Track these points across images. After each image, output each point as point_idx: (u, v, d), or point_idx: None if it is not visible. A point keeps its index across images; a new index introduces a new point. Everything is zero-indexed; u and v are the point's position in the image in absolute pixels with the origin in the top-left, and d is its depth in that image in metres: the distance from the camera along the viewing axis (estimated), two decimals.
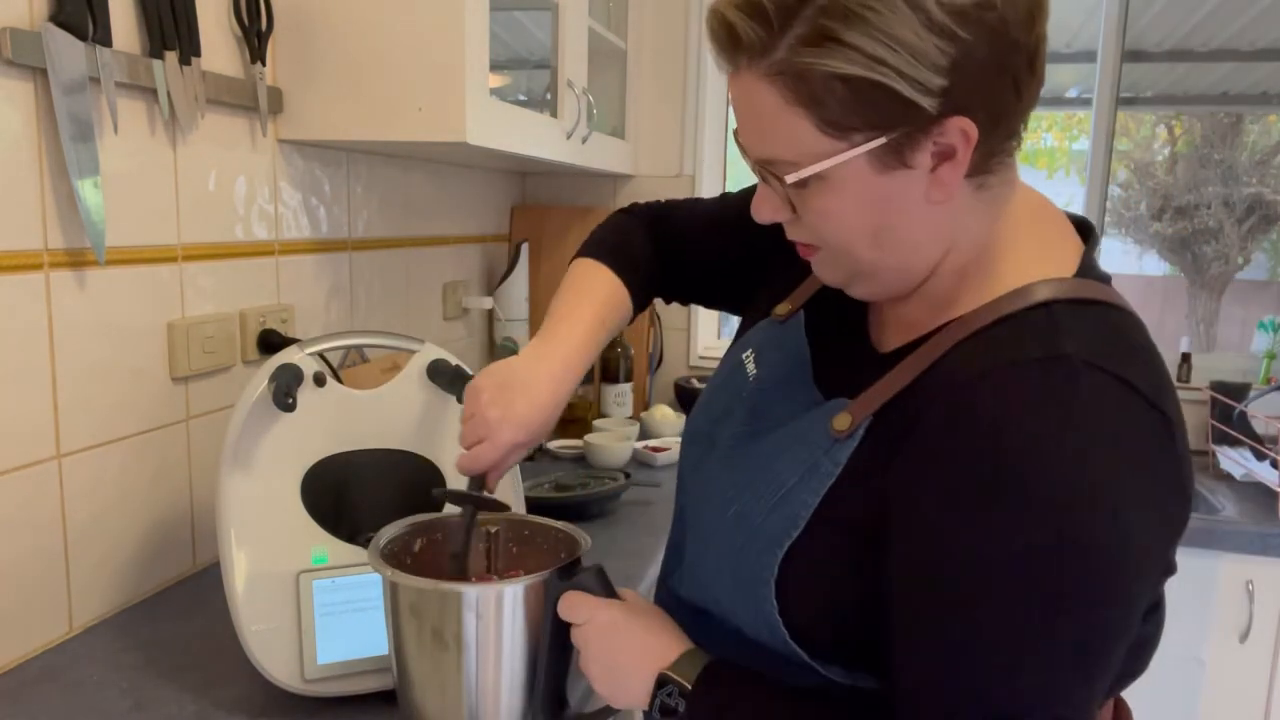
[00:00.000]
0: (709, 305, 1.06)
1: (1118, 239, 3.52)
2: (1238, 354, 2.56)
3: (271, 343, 1.38)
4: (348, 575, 0.97)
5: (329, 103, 1.38)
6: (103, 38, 1.05)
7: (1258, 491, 2.04)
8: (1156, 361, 0.64)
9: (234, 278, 1.34)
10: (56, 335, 1.06)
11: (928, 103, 0.59)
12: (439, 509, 0.93)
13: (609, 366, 2.14)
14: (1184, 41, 2.66)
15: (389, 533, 0.86)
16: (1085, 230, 0.72)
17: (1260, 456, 2.12)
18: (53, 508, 1.08)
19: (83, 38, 1.02)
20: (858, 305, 0.77)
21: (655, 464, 1.92)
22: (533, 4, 1.90)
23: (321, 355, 1.04)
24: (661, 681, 0.71)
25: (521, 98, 2.14)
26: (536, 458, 1.94)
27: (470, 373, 1.06)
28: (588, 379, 2.08)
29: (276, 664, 0.95)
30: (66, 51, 1.00)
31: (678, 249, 1.00)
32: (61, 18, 1.00)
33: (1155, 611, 0.70)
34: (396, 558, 0.86)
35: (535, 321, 2.21)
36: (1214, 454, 2.21)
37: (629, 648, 0.75)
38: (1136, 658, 0.70)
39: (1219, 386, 2.24)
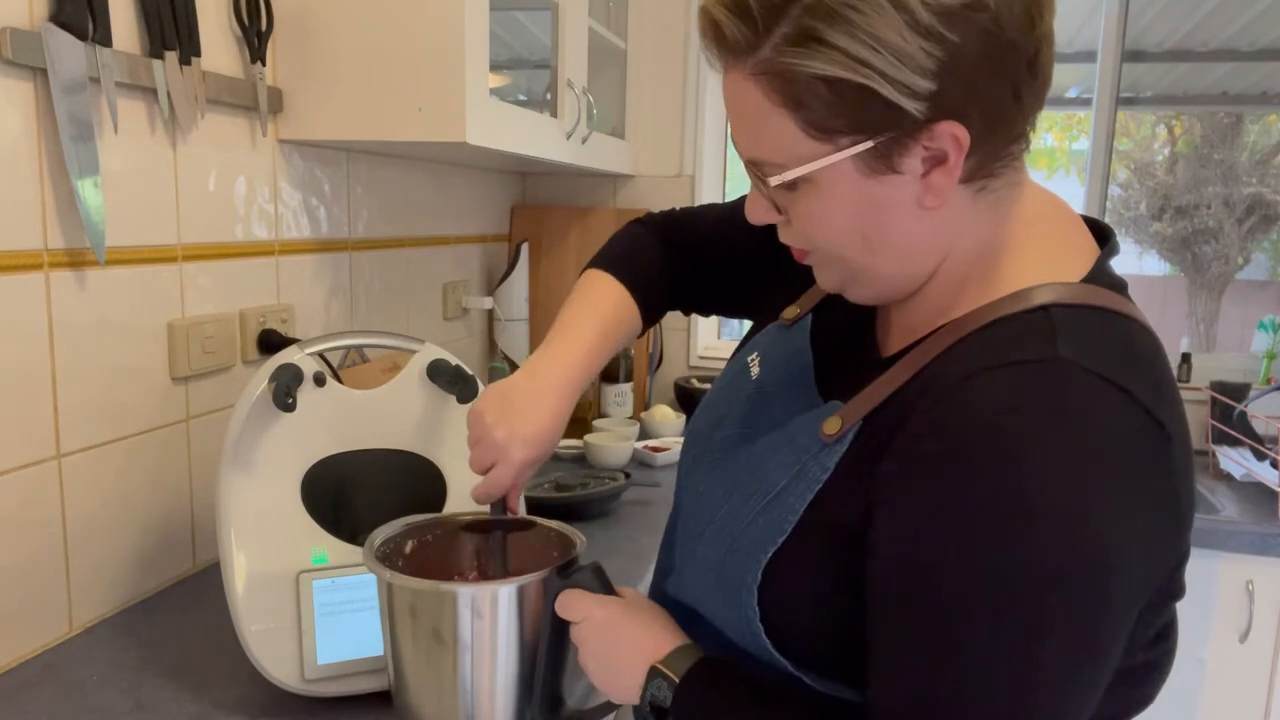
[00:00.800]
0: (724, 314, 1.04)
1: (1118, 239, 3.51)
2: (1238, 354, 2.56)
3: (271, 343, 1.38)
4: (348, 575, 0.97)
5: (329, 103, 1.38)
6: (103, 38, 1.05)
7: (1258, 491, 2.04)
8: (1161, 373, 0.61)
9: (234, 278, 1.34)
10: (56, 335, 1.06)
11: (914, 106, 0.57)
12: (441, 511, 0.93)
13: (609, 367, 2.14)
14: (1184, 41, 2.66)
15: (383, 533, 0.86)
16: (1105, 236, 0.69)
17: (1260, 456, 2.12)
18: (53, 508, 1.08)
19: (83, 38, 1.02)
20: (866, 309, 0.75)
21: (655, 464, 1.92)
22: (533, 4, 1.90)
23: (321, 355, 1.04)
24: (653, 674, 0.71)
25: (521, 98, 2.14)
26: None
27: (470, 372, 1.06)
28: None
29: (276, 664, 0.95)
30: (66, 51, 1.00)
31: (691, 258, 0.98)
32: (61, 18, 1.00)
33: (1163, 640, 0.67)
34: (391, 558, 0.86)
35: (535, 322, 2.21)
36: (1214, 454, 2.21)
37: (625, 642, 0.75)
38: (1144, 684, 0.67)
39: (1219, 386, 2.24)
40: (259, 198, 1.39)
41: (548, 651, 0.79)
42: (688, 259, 0.98)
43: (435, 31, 1.33)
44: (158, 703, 0.97)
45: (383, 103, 1.36)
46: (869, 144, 0.59)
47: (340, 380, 1.05)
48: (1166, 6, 2.56)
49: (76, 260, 1.08)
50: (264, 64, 1.33)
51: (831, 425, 0.66)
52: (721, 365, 1.14)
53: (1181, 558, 0.63)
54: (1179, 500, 0.59)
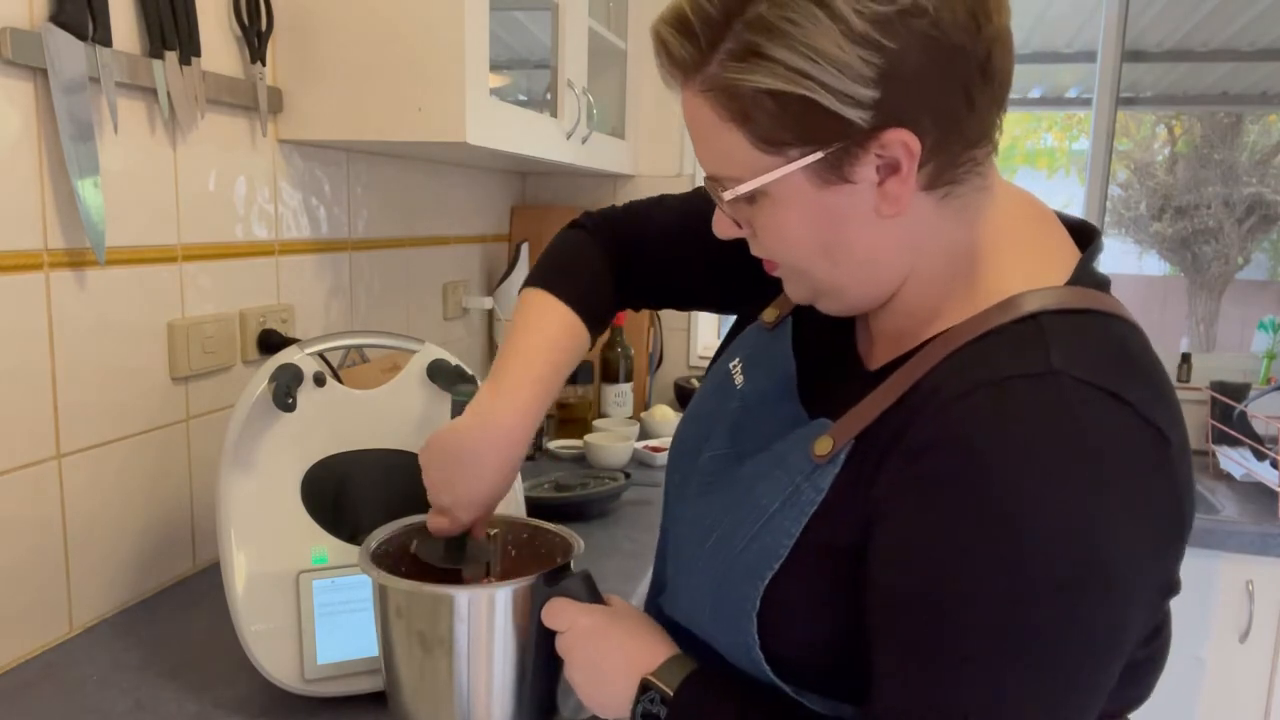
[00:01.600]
0: (684, 308, 1.00)
1: (1118, 239, 3.52)
2: (1238, 354, 2.56)
3: (271, 343, 1.38)
4: (347, 575, 0.97)
5: (329, 103, 1.38)
6: (103, 38, 1.05)
7: (1258, 491, 2.04)
8: (1155, 373, 0.61)
9: (234, 278, 1.34)
10: (56, 335, 1.06)
11: (858, 115, 0.57)
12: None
13: (609, 366, 2.14)
14: (1184, 41, 2.66)
15: (380, 535, 0.86)
16: (1088, 235, 0.69)
17: (1260, 456, 2.12)
18: (53, 508, 1.08)
19: (83, 38, 1.02)
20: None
21: (655, 464, 1.92)
22: (533, 4, 1.90)
23: (321, 355, 1.04)
24: (645, 687, 0.69)
25: (521, 98, 2.14)
26: (537, 458, 1.95)
27: (470, 372, 1.06)
28: (588, 379, 2.08)
29: (276, 664, 0.95)
30: (66, 51, 1.00)
31: (637, 259, 0.93)
32: (61, 18, 1.00)
33: (1157, 636, 0.67)
34: (388, 558, 0.86)
35: None
36: (1214, 454, 2.21)
37: (611, 652, 0.72)
38: (1139, 681, 0.67)
39: (1219, 386, 2.24)
40: (259, 198, 1.39)
41: (535, 660, 0.77)
42: (633, 260, 0.94)
43: (435, 31, 1.33)
44: (158, 703, 0.97)
45: (383, 103, 1.36)
46: (819, 155, 0.59)
47: (340, 380, 1.05)
48: (1166, 6, 2.56)
49: (76, 260, 1.08)
50: (264, 64, 1.33)
51: (823, 445, 0.65)
52: None
53: (1181, 557, 0.63)
54: (1181, 502, 0.59)
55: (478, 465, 0.82)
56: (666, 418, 2.14)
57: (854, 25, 0.55)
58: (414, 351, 1.08)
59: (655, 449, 1.95)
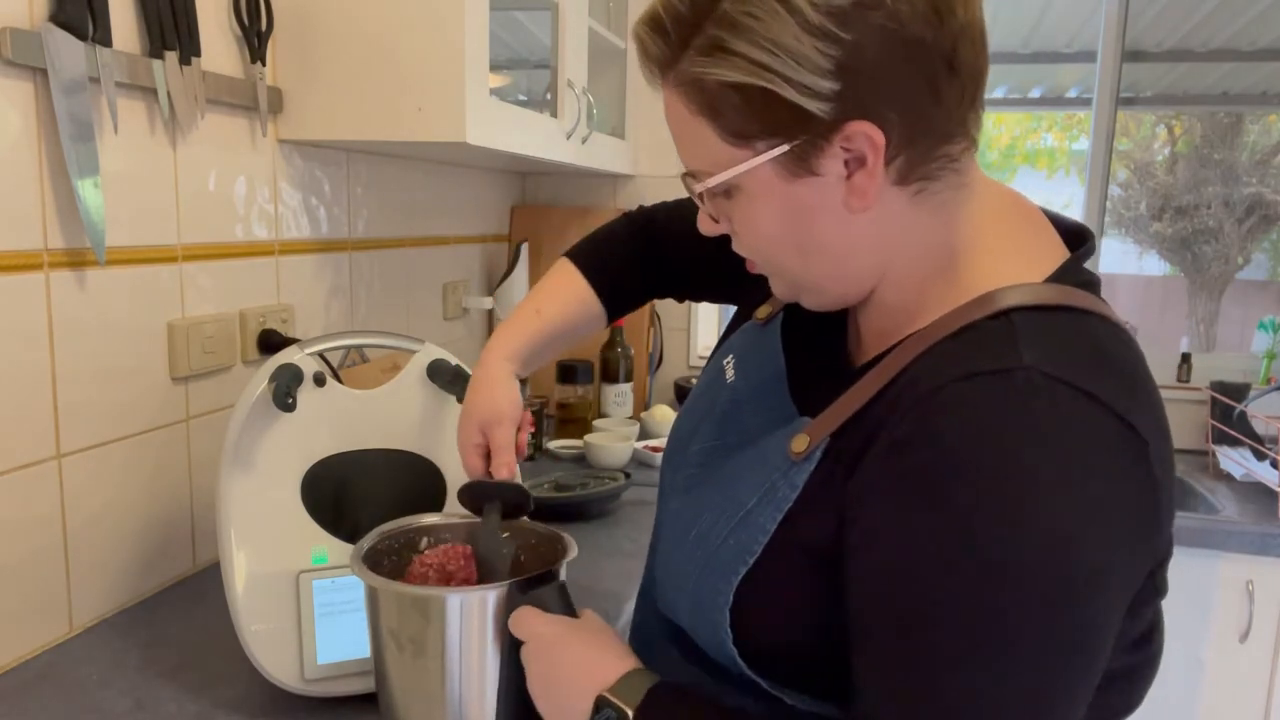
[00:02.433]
0: (700, 300, 1.07)
1: (1118, 239, 3.52)
2: (1238, 354, 2.56)
3: (271, 343, 1.38)
4: (348, 575, 0.97)
5: (329, 103, 1.38)
6: (103, 38, 1.05)
7: (1258, 491, 2.04)
8: (1134, 372, 0.60)
9: (234, 278, 1.34)
10: (56, 335, 1.06)
11: (818, 107, 0.58)
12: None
13: (609, 366, 2.14)
14: (1184, 41, 2.66)
15: (372, 538, 0.87)
16: (1082, 237, 0.68)
17: (1260, 456, 2.12)
18: (53, 508, 1.08)
19: (83, 38, 1.02)
20: (835, 311, 0.74)
21: (655, 464, 1.92)
22: (533, 4, 1.90)
23: (321, 355, 1.04)
24: (601, 705, 0.66)
25: (521, 98, 2.14)
26: (537, 458, 1.95)
27: (469, 372, 1.06)
28: (588, 379, 2.08)
29: (276, 664, 0.95)
30: (66, 51, 1.00)
31: (660, 251, 1.01)
32: (61, 18, 1.00)
33: (1147, 643, 0.66)
34: (380, 558, 0.86)
35: None
36: (1214, 454, 2.21)
37: (567, 665, 0.71)
38: (1127, 690, 0.66)
39: (1219, 386, 2.24)
40: (259, 198, 1.39)
41: (506, 667, 0.76)
42: (657, 251, 1.01)
43: (435, 31, 1.33)
44: (158, 703, 0.97)
45: (383, 103, 1.36)
46: (785, 147, 0.61)
47: (340, 380, 1.05)
48: (1166, 6, 2.56)
49: (76, 260, 1.08)
50: (264, 64, 1.33)
51: (799, 443, 0.65)
52: None
53: (1163, 557, 0.62)
54: (1156, 500, 0.58)
55: (477, 381, 0.96)
56: (666, 418, 2.14)
57: (810, 18, 0.56)
58: (414, 351, 1.08)
59: (655, 449, 1.95)
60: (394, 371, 1.11)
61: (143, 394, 1.20)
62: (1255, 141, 3.32)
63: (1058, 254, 0.66)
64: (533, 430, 1.88)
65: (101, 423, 1.13)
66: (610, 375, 2.15)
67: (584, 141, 1.88)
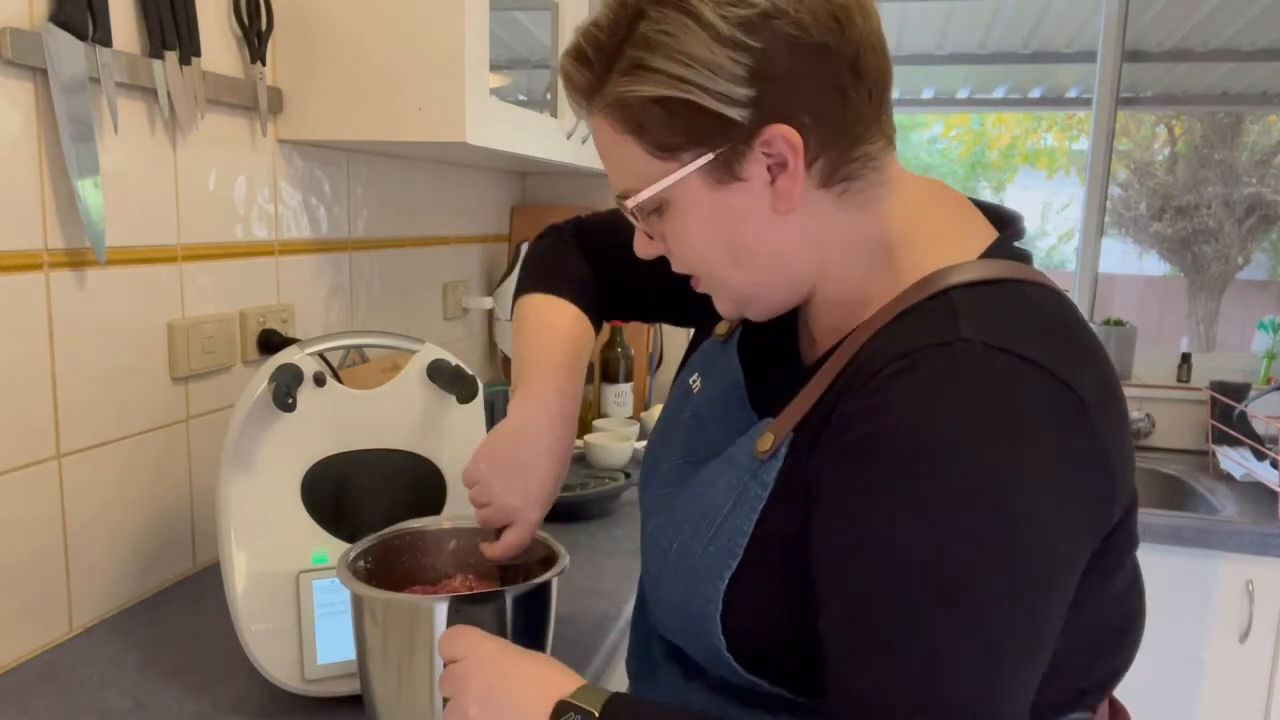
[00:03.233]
0: (651, 321, 1.06)
1: (1118, 239, 3.52)
2: (1238, 354, 2.56)
3: (271, 343, 1.38)
4: None
5: (329, 103, 1.38)
6: (103, 38, 1.05)
7: (1258, 491, 2.04)
8: (1070, 332, 0.62)
9: (234, 278, 1.34)
10: (56, 335, 1.06)
11: (737, 113, 0.62)
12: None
13: (609, 366, 2.14)
14: (1184, 41, 2.66)
15: (360, 546, 0.88)
16: (1009, 219, 0.71)
17: (1260, 456, 2.12)
18: (53, 508, 1.08)
19: (83, 38, 1.02)
20: (787, 319, 0.76)
21: None
22: (533, 4, 1.90)
23: (321, 355, 1.04)
24: (561, 710, 0.64)
25: (521, 98, 2.14)
26: None
27: (470, 372, 1.06)
28: (588, 379, 2.08)
29: (276, 664, 0.95)
30: (66, 51, 1.00)
31: (614, 266, 0.96)
32: (61, 18, 1.00)
33: (1131, 596, 0.67)
34: (366, 565, 0.87)
35: None
36: (1214, 454, 2.21)
37: (516, 677, 0.68)
38: (1117, 648, 0.68)
39: (1219, 386, 2.24)
40: (259, 198, 1.39)
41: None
42: (612, 267, 0.97)
43: (435, 31, 1.33)
44: (158, 703, 0.97)
45: (383, 103, 1.36)
46: (710, 155, 0.64)
47: (340, 380, 1.05)
48: (1166, 6, 2.56)
49: (76, 260, 1.08)
50: (264, 64, 1.33)
51: (765, 442, 0.68)
52: None
53: (1129, 505, 0.64)
54: (1101, 452, 0.59)
55: (539, 464, 0.86)
56: None
57: (721, 30, 0.60)
58: (414, 351, 1.08)
59: None
60: (394, 371, 1.11)
61: (143, 394, 1.20)
62: (1255, 141, 3.32)
63: (988, 235, 0.69)
64: None
65: (101, 423, 1.13)
66: (610, 375, 2.15)
67: (584, 141, 1.88)
